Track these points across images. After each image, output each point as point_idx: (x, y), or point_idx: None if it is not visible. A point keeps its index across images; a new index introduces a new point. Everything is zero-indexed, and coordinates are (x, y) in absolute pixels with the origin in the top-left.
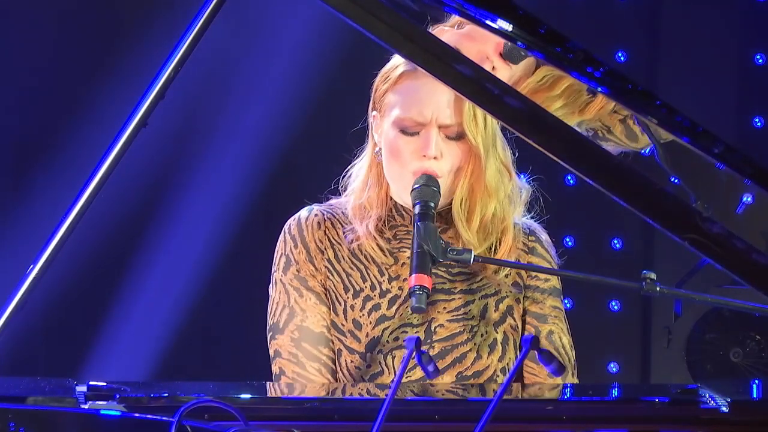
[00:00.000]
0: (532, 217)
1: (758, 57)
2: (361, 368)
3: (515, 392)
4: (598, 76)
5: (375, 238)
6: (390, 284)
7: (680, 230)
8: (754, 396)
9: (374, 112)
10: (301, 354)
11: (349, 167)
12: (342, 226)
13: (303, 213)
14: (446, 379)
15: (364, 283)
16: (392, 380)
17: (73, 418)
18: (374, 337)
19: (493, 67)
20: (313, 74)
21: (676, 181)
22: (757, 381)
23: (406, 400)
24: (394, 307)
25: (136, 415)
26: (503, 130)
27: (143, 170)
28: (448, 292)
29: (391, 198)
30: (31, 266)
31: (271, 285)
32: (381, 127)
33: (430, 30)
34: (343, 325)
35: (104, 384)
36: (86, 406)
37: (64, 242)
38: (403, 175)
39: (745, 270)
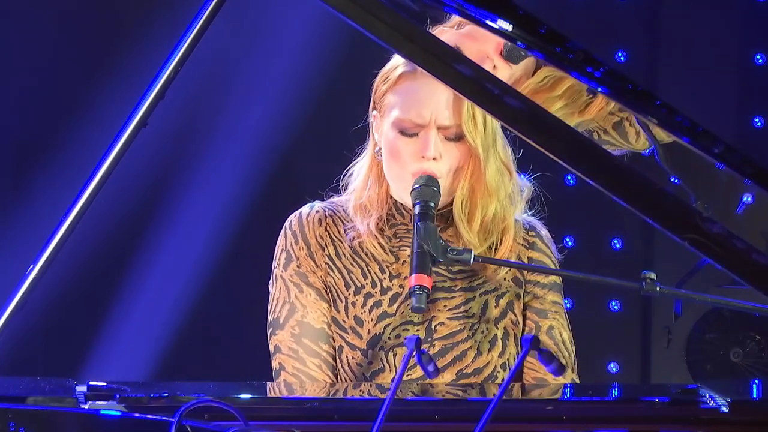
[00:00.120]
0: (532, 216)
1: (758, 57)
2: (363, 365)
3: (515, 392)
4: (598, 76)
5: (376, 236)
6: (391, 282)
7: (680, 230)
8: (754, 396)
9: (374, 112)
10: (302, 350)
11: (349, 166)
12: (343, 223)
13: (304, 209)
14: (447, 377)
15: (365, 280)
16: (392, 379)
17: (73, 418)
18: (376, 334)
19: (494, 67)
20: (313, 74)
21: (676, 181)
22: (757, 381)
23: (406, 400)
24: (396, 305)
25: (136, 415)
26: (504, 129)
27: (143, 170)
28: (449, 290)
29: (392, 197)
30: (31, 266)
31: (271, 281)
32: (381, 127)
33: (430, 30)
34: (344, 321)
35: (104, 384)
36: (86, 406)
37: (64, 242)
38: (403, 176)
39: (745, 270)
